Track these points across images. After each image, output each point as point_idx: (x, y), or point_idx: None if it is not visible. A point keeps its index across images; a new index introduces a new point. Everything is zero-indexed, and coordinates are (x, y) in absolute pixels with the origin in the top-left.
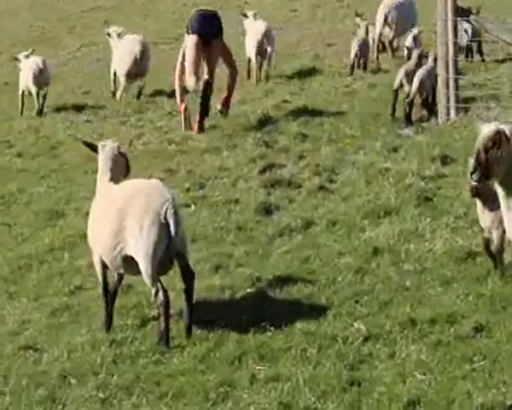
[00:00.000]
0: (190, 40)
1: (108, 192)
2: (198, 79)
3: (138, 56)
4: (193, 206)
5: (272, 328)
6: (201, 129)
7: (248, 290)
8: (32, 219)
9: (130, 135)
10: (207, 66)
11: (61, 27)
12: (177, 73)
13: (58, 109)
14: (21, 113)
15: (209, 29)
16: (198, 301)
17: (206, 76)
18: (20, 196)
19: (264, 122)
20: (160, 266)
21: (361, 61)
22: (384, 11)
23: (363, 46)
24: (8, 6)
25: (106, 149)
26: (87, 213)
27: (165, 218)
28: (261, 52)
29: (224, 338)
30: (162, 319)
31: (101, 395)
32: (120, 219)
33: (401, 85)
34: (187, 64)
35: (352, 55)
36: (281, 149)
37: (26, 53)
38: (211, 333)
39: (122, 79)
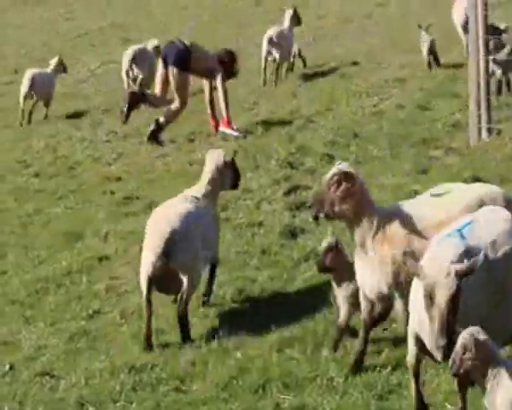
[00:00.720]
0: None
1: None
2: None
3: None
4: None
5: (297, 355)
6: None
7: (273, 316)
8: (49, 240)
9: (150, 156)
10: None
11: (80, 44)
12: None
13: (77, 128)
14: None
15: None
16: (221, 327)
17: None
18: (37, 217)
19: (289, 142)
20: (159, 282)
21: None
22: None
23: (433, 43)
24: (24, 22)
25: (211, 157)
26: (106, 236)
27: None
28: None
29: (247, 365)
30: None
31: None
32: None
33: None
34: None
35: (425, 53)
36: (306, 170)
37: (53, 60)
38: (234, 360)
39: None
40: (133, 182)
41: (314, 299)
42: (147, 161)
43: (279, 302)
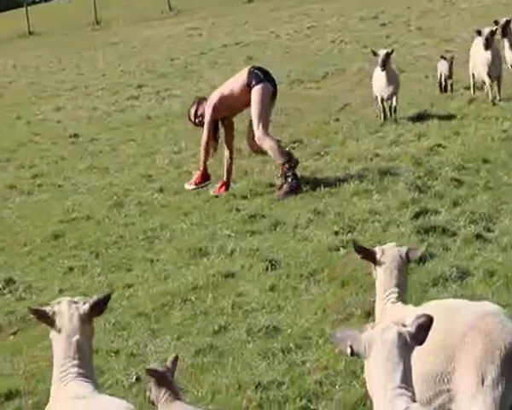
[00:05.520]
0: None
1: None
2: None
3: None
4: (342, 249)
5: None
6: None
7: None
8: (174, 256)
9: (274, 175)
10: None
11: (203, 62)
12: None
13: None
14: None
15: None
16: None
17: None
18: (163, 232)
19: (417, 166)
20: None
21: None
22: None
23: None
24: (148, 38)
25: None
26: (231, 253)
27: None
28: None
29: None
30: None
31: None
32: None
33: None
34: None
35: None
36: (434, 194)
37: None
38: (360, 384)
39: None
40: (258, 200)
41: None
42: (271, 180)
43: None
